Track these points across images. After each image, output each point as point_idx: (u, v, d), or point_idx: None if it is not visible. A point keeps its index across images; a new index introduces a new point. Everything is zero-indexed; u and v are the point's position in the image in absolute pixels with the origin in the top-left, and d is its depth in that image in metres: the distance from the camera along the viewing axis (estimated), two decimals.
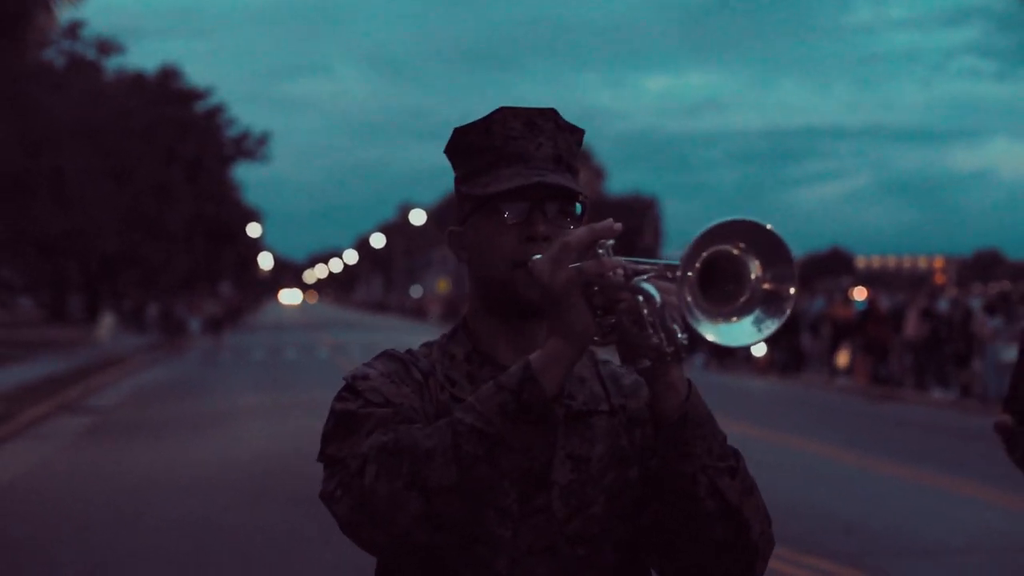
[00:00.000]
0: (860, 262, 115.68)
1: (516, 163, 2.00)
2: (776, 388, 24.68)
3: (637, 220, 76.45)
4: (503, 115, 2.03)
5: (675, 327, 1.75)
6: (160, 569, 8.45)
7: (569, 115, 2.10)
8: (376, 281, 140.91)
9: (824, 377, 25.69)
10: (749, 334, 1.73)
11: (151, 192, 47.20)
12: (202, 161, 55.85)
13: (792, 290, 1.74)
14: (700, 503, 1.88)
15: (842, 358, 25.41)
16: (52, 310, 57.23)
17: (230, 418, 17.76)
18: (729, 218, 1.70)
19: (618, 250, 1.84)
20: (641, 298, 1.77)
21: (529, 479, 1.93)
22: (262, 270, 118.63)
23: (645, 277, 1.78)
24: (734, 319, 1.74)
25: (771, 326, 1.74)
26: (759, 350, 25.66)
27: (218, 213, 61.03)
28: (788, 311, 1.74)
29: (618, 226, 1.82)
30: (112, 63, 45.29)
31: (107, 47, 42.44)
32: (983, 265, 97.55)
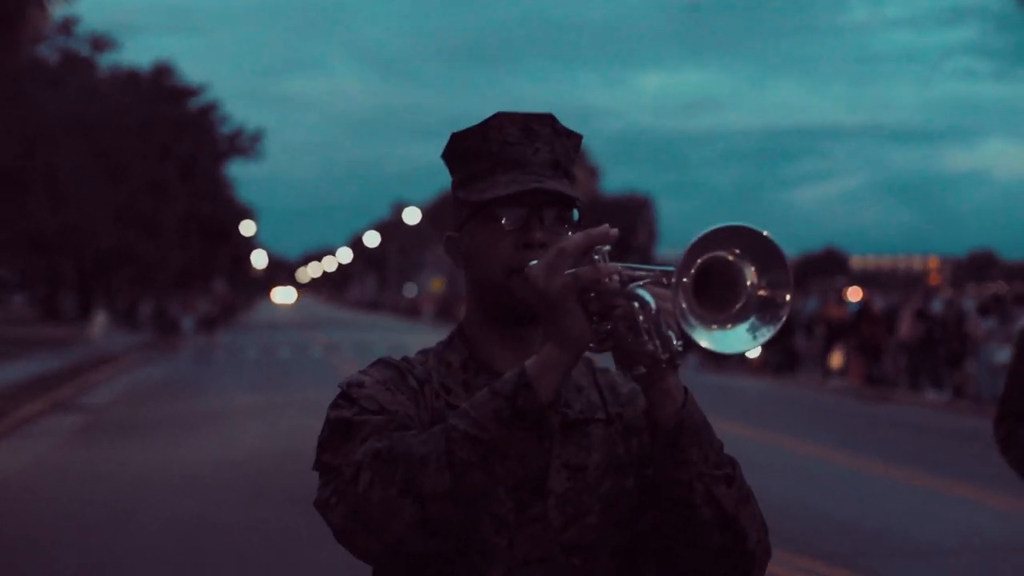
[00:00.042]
0: (855, 262, 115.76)
1: (513, 169, 1.99)
2: (770, 388, 24.67)
3: (631, 219, 76.50)
4: (500, 120, 2.02)
5: (670, 334, 1.75)
6: (154, 568, 8.44)
7: (564, 113, 2.09)
8: (370, 280, 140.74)
9: (818, 378, 25.69)
10: (744, 341, 1.73)
11: (146, 189, 47.12)
12: (196, 159, 55.78)
13: (788, 297, 1.74)
14: (696, 511, 1.87)
15: (836, 359, 25.39)
16: (45, 308, 57.08)
17: (224, 417, 17.74)
18: (724, 224, 1.70)
19: (613, 249, 1.83)
20: (636, 304, 1.77)
21: (524, 486, 1.92)
22: (255, 268, 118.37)
23: (641, 283, 1.77)
24: (729, 326, 1.73)
25: (766, 333, 1.73)
26: (753, 351, 25.61)
27: (212, 211, 60.97)
28: (783, 318, 1.74)
29: (614, 232, 1.81)
30: (106, 60, 45.19)
31: (101, 43, 42.28)
32: (978, 266, 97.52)
